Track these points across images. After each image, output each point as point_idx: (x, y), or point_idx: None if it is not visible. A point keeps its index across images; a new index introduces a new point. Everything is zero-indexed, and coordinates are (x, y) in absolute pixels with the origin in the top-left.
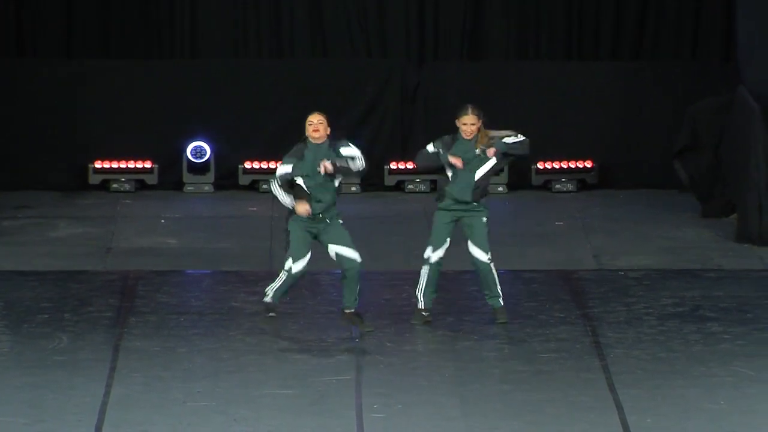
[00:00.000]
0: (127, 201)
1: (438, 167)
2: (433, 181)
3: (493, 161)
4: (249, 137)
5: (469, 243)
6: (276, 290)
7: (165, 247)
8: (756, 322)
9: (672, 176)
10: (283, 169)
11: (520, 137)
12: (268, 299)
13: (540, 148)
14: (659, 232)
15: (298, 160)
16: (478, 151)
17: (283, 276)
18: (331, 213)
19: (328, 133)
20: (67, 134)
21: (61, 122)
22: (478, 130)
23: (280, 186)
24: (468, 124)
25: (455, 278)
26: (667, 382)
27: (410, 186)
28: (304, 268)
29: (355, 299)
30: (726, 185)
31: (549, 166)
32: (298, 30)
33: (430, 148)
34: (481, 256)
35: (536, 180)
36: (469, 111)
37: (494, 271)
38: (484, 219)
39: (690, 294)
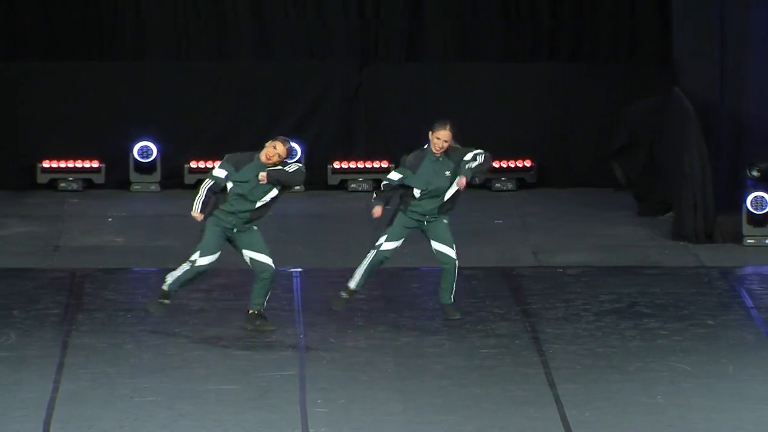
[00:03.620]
0: (75, 200)
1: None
2: (377, 180)
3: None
4: (194, 137)
5: (433, 242)
6: (175, 279)
7: (112, 245)
8: (691, 318)
9: (609, 175)
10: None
11: (480, 157)
12: (165, 286)
13: (480, 147)
14: (597, 230)
15: (235, 171)
16: (448, 173)
17: (185, 266)
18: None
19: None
20: (15, 134)
21: (9, 122)
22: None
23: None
24: (441, 139)
25: (397, 275)
26: (604, 377)
27: (353, 185)
28: (209, 265)
29: (264, 302)
30: (662, 184)
31: None
32: (241, 32)
33: (395, 176)
34: (449, 251)
35: (477, 179)
36: (447, 126)
37: (456, 269)
38: (445, 220)
39: (627, 291)
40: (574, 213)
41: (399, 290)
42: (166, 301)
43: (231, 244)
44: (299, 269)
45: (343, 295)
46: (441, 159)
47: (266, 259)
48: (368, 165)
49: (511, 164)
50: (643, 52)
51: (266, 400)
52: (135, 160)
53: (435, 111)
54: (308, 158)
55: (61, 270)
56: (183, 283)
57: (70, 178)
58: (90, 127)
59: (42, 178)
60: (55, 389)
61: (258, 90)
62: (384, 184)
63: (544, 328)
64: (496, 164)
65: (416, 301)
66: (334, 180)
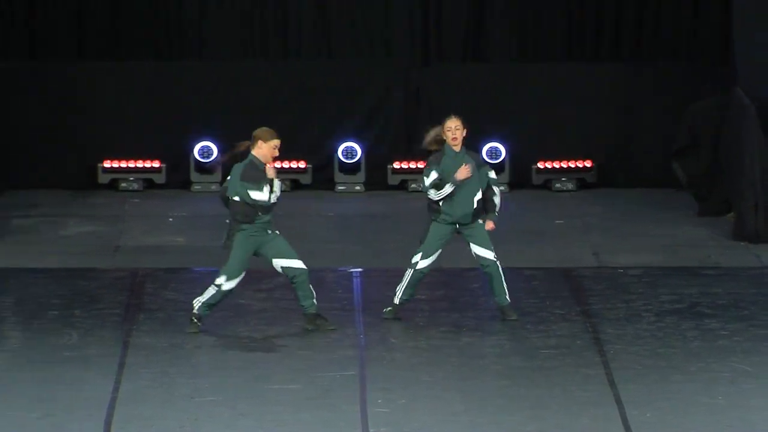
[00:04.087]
0: (136, 200)
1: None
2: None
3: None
4: None
5: (472, 246)
6: (203, 303)
7: (172, 245)
8: (752, 318)
9: (670, 175)
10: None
11: (497, 192)
12: (195, 311)
13: (540, 148)
14: (657, 230)
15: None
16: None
17: (211, 291)
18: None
19: None
20: (77, 134)
21: (71, 123)
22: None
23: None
24: (453, 128)
25: (459, 275)
26: (665, 378)
27: (413, 185)
28: (235, 287)
29: (313, 301)
30: (723, 184)
31: (549, 166)
32: (304, 31)
33: (434, 176)
34: (487, 254)
35: (537, 179)
36: (452, 115)
37: (501, 269)
38: (480, 221)
39: (688, 291)
40: (635, 213)
41: (460, 290)
42: (199, 323)
43: (257, 255)
44: (359, 269)
45: (389, 309)
46: (460, 153)
47: (297, 263)
48: None
49: (572, 164)
50: (704, 52)
51: (327, 400)
52: (196, 160)
53: (497, 110)
54: (369, 158)
55: (122, 270)
56: (211, 306)
57: (131, 178)
58: (151, 127)
59: (103, 178)
60: (116, 389)
61: (320, 90)
62: (431, 190)
63: (605, 329)
64: (557, 164)
65: (477, 301)
66: (394, 180)
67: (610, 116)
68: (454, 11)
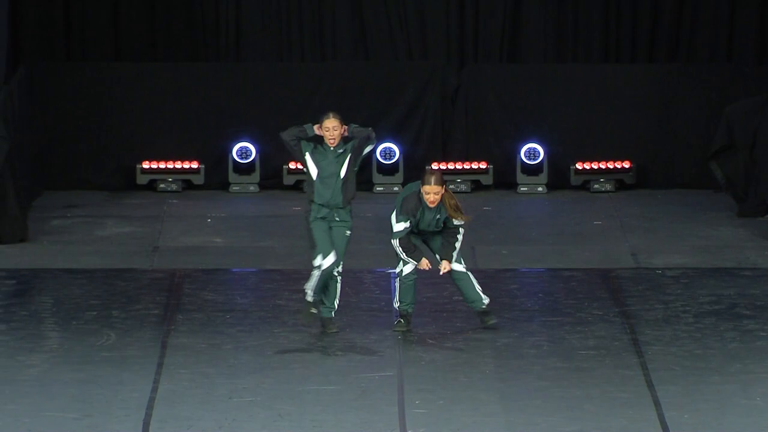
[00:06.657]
0: (174, 201)
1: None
2: (475, 182)
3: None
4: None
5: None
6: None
7: (211, 245)
8: None
9: (708, 176)
10: None
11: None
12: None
13: (578, 148)
14: (696, 231)
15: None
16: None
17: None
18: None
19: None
20: (116, 135)
21: (110, 124)
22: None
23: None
24: (331, 128)
25: (495, 276)
26: (703, 379)
27: (451, 186)
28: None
29: (474, 300)
30: (761, 185)
31: (587, 167)
32: (340, 33)
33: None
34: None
35: (575, 180)
36: (331, 115)
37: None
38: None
39: (726, 292)
40: (673, 214)
41: (497, 291)
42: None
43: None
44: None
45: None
46: (338, 147)
47: (458, 267)
48: (467, 166)
49: (610, 165)
50: (742, 52)
51: (365, 401)
52: (234, 161)
53: (533, 112)
54: (406, 159)
55: (161, 270)
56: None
57: (170, 179)
58: (189, 128)
59: (141, 179)
60: (155, 389)
61: (357, 91)
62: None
63: (643, 330)
64: (595, 165)
65: (515, 302)
66: None
67: (649, 117)
68: (491, 12)
